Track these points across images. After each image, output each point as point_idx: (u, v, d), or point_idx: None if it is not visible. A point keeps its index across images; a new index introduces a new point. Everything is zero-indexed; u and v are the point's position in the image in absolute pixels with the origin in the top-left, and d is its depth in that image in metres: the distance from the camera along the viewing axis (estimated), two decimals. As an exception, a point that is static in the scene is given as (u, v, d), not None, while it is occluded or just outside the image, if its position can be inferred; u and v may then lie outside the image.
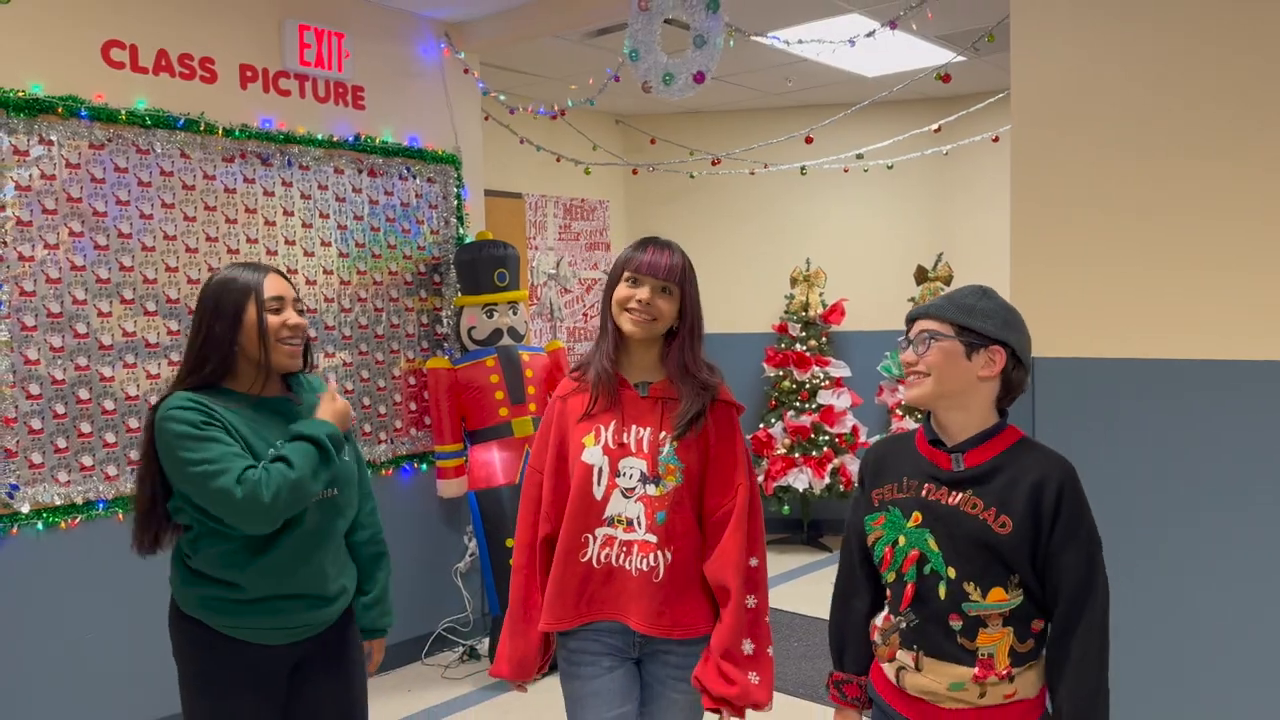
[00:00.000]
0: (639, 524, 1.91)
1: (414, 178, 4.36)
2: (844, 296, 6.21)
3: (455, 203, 4.50)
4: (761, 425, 6.15)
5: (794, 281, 6.28)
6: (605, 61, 4.92)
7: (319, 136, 3.98)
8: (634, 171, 5.89)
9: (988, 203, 6.19)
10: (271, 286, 1.96)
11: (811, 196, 6.46)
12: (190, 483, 1.81)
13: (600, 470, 1.93)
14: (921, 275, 6.08)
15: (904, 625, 1.70)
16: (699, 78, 3.56)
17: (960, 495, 1.66)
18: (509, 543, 4.18)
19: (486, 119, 5.31)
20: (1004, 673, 1.63)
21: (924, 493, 1.70)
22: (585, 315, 6.32)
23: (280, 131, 3.84)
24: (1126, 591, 2.28)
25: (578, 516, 1.94)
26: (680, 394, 1.95)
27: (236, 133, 3.69)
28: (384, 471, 4.22)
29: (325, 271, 4.03)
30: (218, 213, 3.66)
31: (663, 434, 1.92)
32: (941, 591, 1.66)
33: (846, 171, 5.86)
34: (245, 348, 1.93)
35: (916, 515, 1.70)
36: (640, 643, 1.97)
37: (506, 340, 4.30)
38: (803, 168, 5.42)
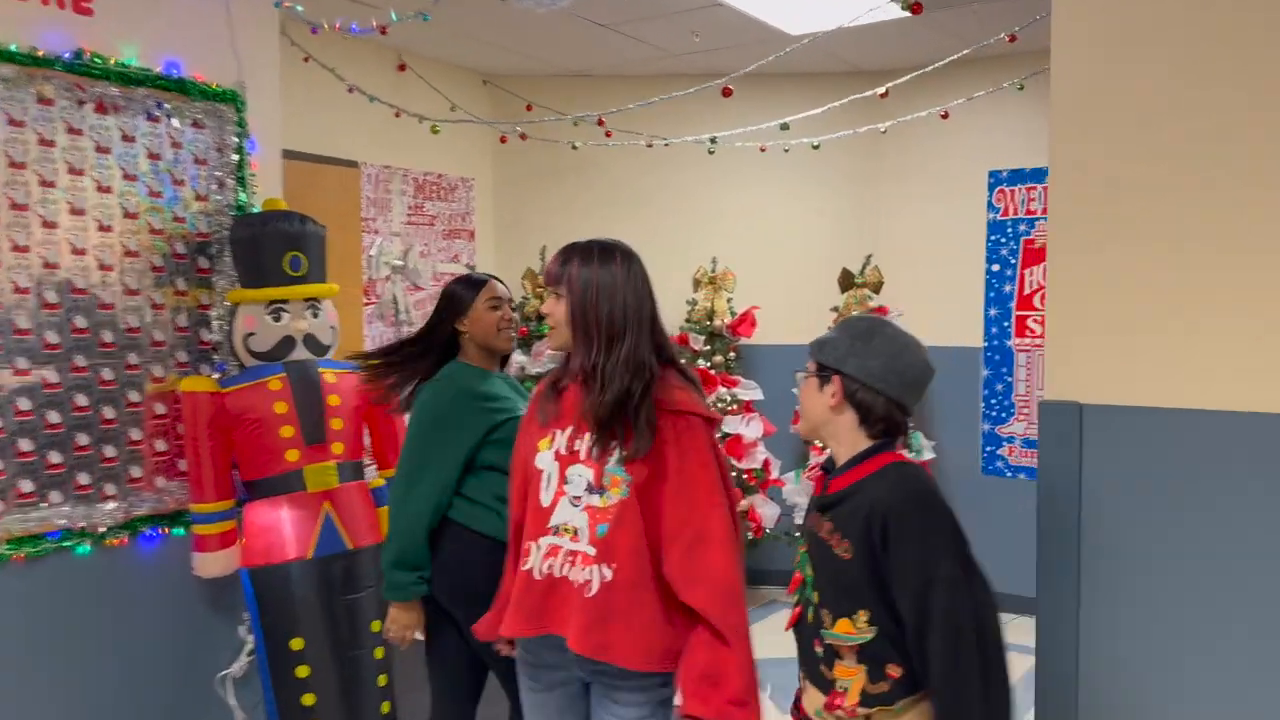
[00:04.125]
0: (582, 534, 1.86)
1: (170, 119, 3.06)
2: (756, 304, 5.14)
3: (235, 159, 3.22)
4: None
5: (697, 284, 5.18)
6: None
7: (12, 48, 2.67)
8: (502, 139, 4.70)
9: (929, 194, 5.22)
10: None
11: (720, 181, 5.37)
12: None
13: (549, 476, 1.91)
14: (847, 281, 5.06)
15: (797, 648, 1.80)
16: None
17: (822, 520, 1.72)
18: (296, 644, 2.93)
19: (307, 60, 4.04)
20: (851, 710, 1.64)
21: (810, 519, 1.79)
22: (440, 319, 5.07)
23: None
24: (1196, 669, 1.93)
25: (527, 525, 1.93)
26: (585, 400, 1.87)
27: None
28: (113, 540, 2.91)
29: (16, 248, 2.71)
30: None
31: (612, 442, 1.85)
32: (809, 615, 1.74)
33: (764, 151, 4.79)
34: None
35: (803, 544, 1.81)
36: (580, 662, 1.89)
37: (301, 353, 3.05)
38: (712, 139, 4.30)
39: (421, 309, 4.96)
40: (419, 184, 4.96)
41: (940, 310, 5.16)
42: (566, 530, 1.87)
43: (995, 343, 5.09)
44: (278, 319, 3.02)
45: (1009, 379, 5.05)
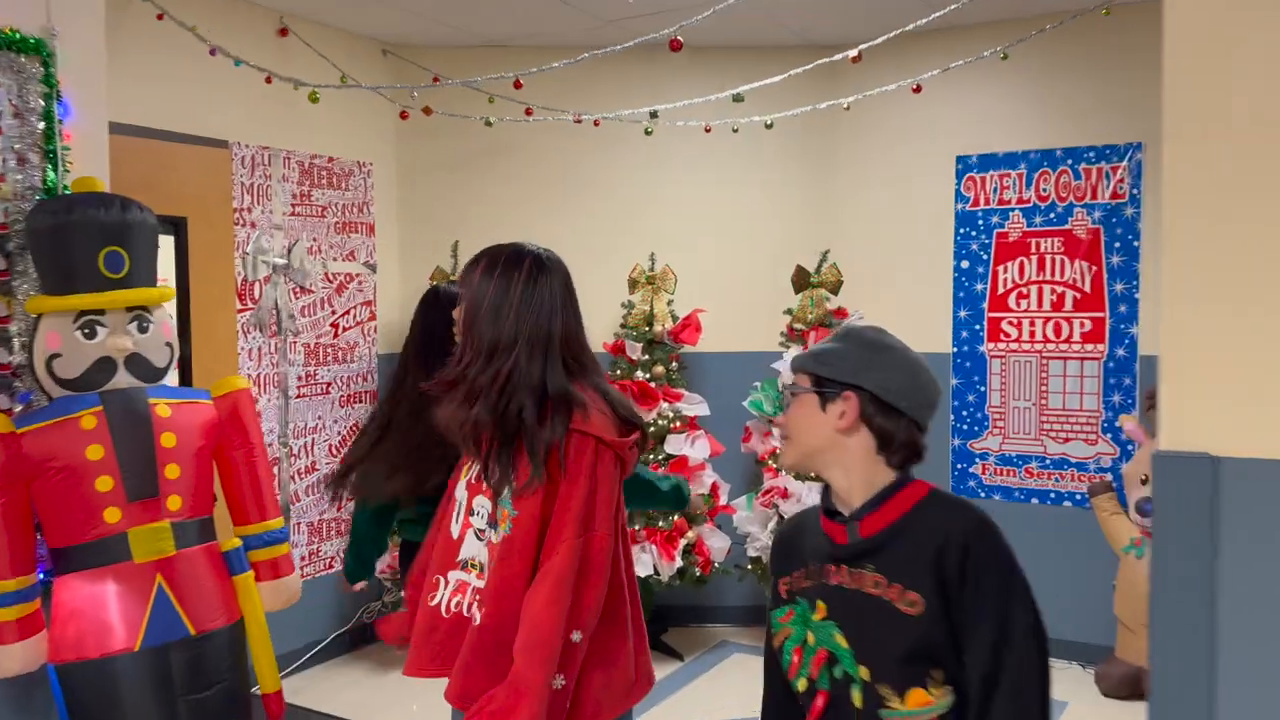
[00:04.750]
0: (484, 571, 1.73)
1: (-58, 71, 2.32)
2: (700, 307, 4.53)
3: (42, 126, 2.48)
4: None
5: (634, 285, 4.54)
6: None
7: None
8: (402, 115, 3.99)
9: (891, 182, 4.67)
10: None
11: (660, 167, 4.75)
12: None
13: (460, 506, 1.80)
14: (802, 279, 4.49)
15: None
16: None
17: (861, 574, 1.44)
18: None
19: (161, 17, 3.31)
20: None
21: (825, 576, 1.49)
22: (335, 329, 4.34)
23: None
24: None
25: (438, 556, 1.82)
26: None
27: None
28: None
29: None
30: None
31: (506, 474, 1.69)
32: (857, 699, 1.42)
33: (709, 131, 4.18)
34: None
35: (821, 606, 1.48)
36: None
37: (124, 380, 2.33)
38: (652, 114, 3.67)
39: (309, 315, 4.23)
40: (305, 168, 4.22)
41: (904, 312, 4.61)
42: (474, 566, 1.75)
43: (965, 348, 4.56)
44: (90, 335, 2.29)
45: (981, 388, 4.53)
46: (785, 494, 4.26)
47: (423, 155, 4.69)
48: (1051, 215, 4.36)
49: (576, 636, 1.63)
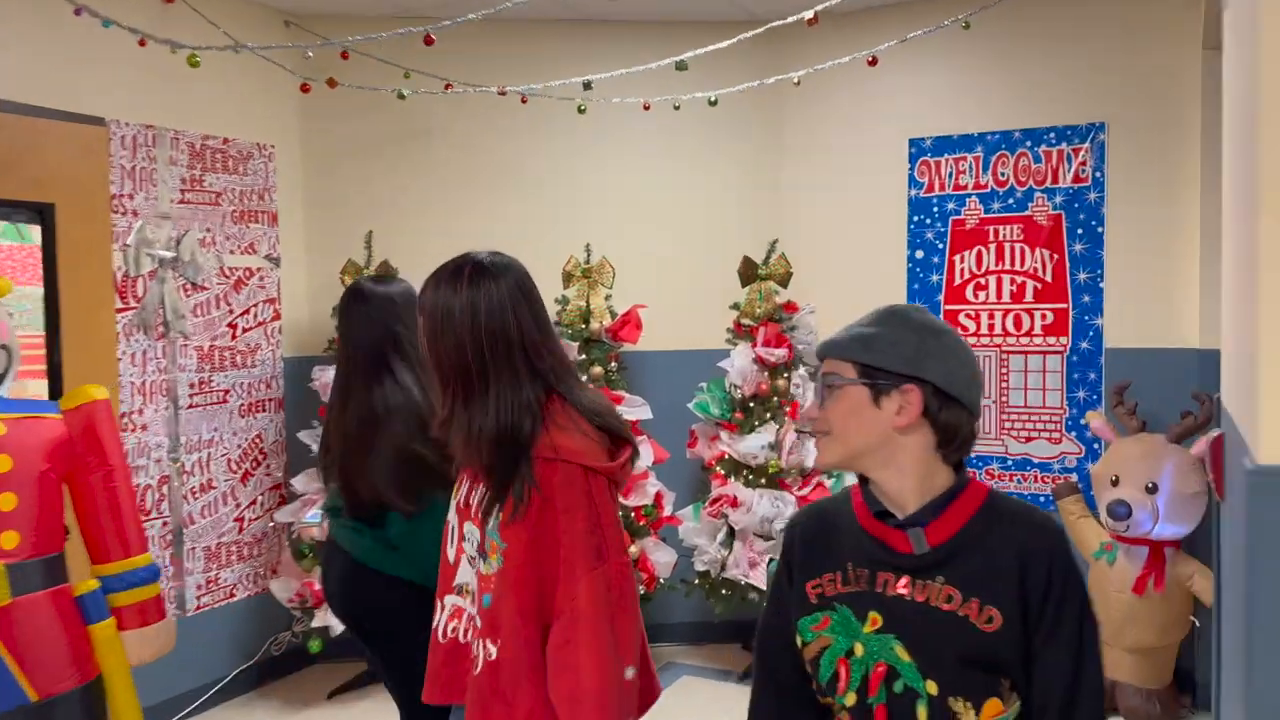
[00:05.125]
0: (475, 600, 1.67)
1: None
2: (640, 302, 4.18)
3: None
4: (519, 498, 4.01)
5: (568, 278, 4.18)
6: None
7: None
8: (304, 88, 3.56)
9: (841, 168, 4.39)
10: None
11: (595, 149, 4.39)
12: None
13: (453, 529, 1.73)
14: (749, 271, 4.17)
15: None
16: None
17: (929, 586, 1.33)
18: None
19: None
20: None
21: (879, 585, 1.36)
22: (233, 330, 3.89)
23: None
24: None
25: (440, 578, 1.76)
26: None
27: None
28: None
29: None
30: None
31: (494, 503, 1.60)
32: (922, 714, 1.33)
33: (649, 109, 3.84)
34: None
35: (875, 617, 1.35)
36: None
37: (-59, 391, 1.89)
38: (586, 84, 3.31)
39: (203, 315, 3.77)
40: (197, 151, 3.76)
41: (856, 306, 4.32)
42: (467, 592, 1.71)
43: (921, 343, 4.29)
44: (-106, 336, 1.85)
45: (938, 385, 4.27)
46: (735, 503, 3.94)
47: (331, 137, 4.26)
48: (1010, 201, 4.11)
49: (630, 673, 1.56)
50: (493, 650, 1.59)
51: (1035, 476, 4.10)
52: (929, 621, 1.32)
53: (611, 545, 1.57)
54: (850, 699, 1.37)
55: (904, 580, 1.34)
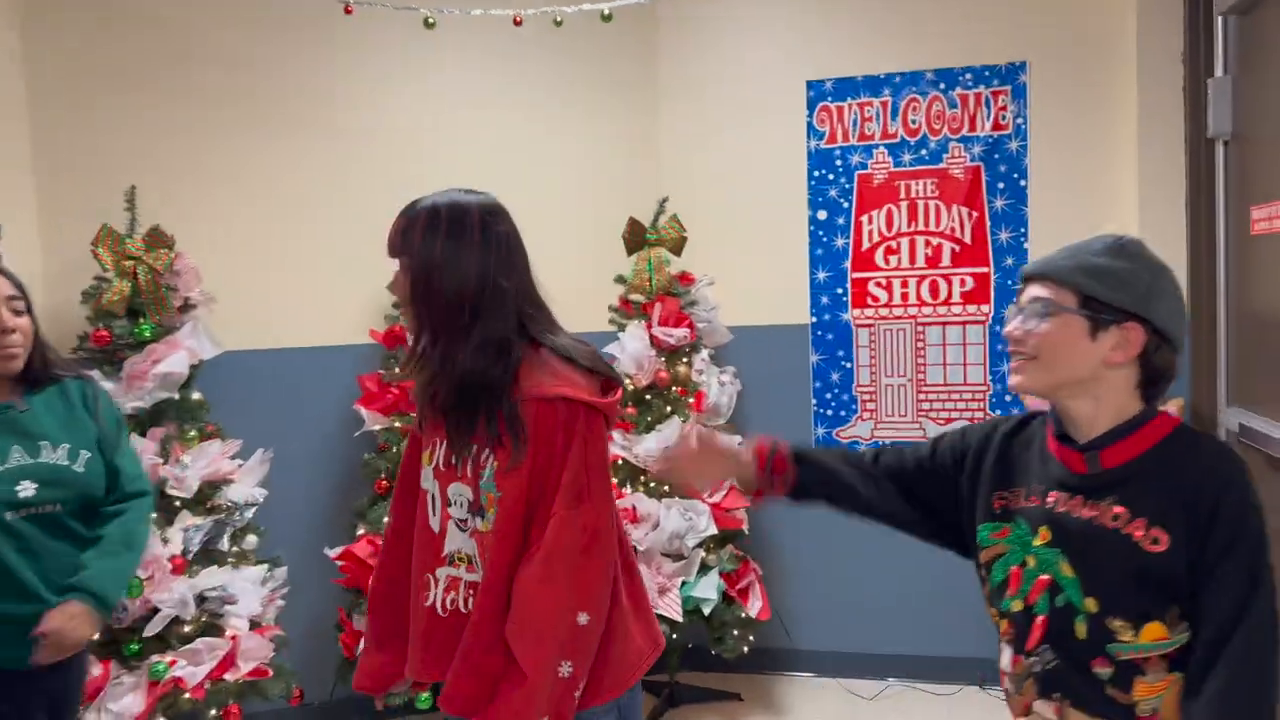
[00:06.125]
0: (477, 564, 1.59)
1: None
2: (501, 275, 3.35)
3: None
4: (363, 533, 3.09)
5: (409, 247, 3.28)
6: None
7: None
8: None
9: (736, 114, 3.75)
10: None
11: (439, 82, 3.51)
12: None
13: (433, 497, 1.65)
14: (636, 236, 3.45)
15: (1039, 668, 1.41)
16: None
17: (1098, 506, 1.38)
18: None
19: None
20: None
21: (1050, 502, 1.43)
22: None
23: None
24: None
25: (420, 552, 1.66)
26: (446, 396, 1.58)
27: None
28: None
29: None
30: None
31: (485, 452, 1.55)
32: (1080, 630, 1.37)
33: (519, 24, 3.01)
34: None
35: (1044, 532, 1.42)
36: None
37: None
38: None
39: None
40: None
41: (755, 278, 3.73)
42: (461, 559, 1.61)
43: (827, 317, 3.74)
44: None
45: (847, 365, 3.73)
46: (635, 517, 3.21)
47: (68, 69, 3.11)
48: (923, 152, 3.61)
49: (584, 619, 1.52)
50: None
51: (958, 462, 3.65)
52: (1095, 539, 1.36)
53: (596, 490, 1.55)
54: (1016, 605, 1.43)
55: (1076, 499, 1.39)
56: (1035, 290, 1.40)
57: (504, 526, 1.53)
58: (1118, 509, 1.35)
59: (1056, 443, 1.42)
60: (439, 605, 1.63)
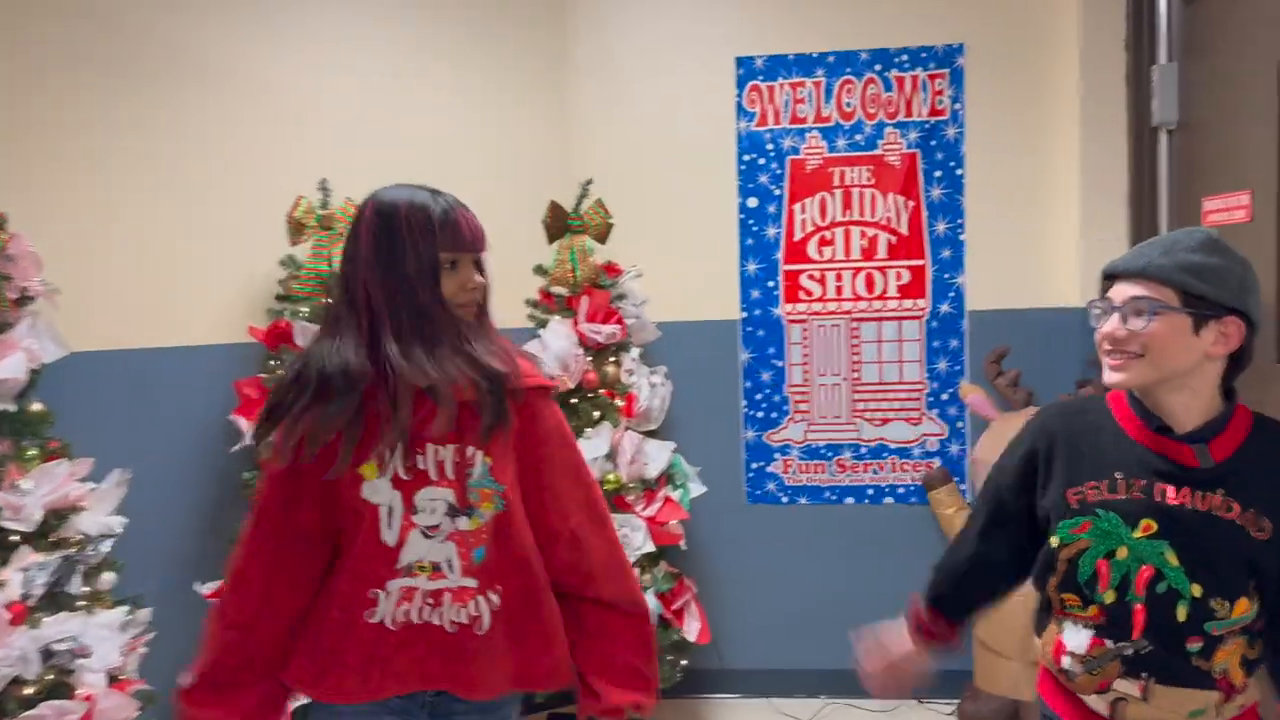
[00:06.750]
0: (451, 567, 1.56)
1: None
2: (404, 264, 2.94)
3: None
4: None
5: (298, 229, 2.84)
6: None
7: None
8: None
9: (655, 96, 3.46)
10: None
11: (334, 47, 3.07)
12: None
13: (390, 509, 1.55)
14: (558, 222, 3.11)
15: (1131, 652, 1.48)
16: None
17: (1210, 497, 1.44)
18: None
19: None
20: (1241, 686, 1.48)
21: (1156, 495, 1.46)
22: None
23: None
24: None
25: (363, 570, 1.56)
26: (478, 394, 1.54)
27: None
28: None
29: None
30: None
31: (470, 450, 1.54)
32: (1181, 612, 1.45)
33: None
34: None
35: (1148, 524, 1.46)
36: (434, 703, 1.61)
37: None
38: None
39: None
40: None
41: (682, 269, 3.45)
42: (422, 568, 1.56)
43: (757, 312, 3.49)
44: None
45: (779, 364, 3.49)
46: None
47: None
48: (858, 137, 3.41)
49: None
50: (495, 600, 1.58)
51: (894, 464, 3.47)
52: (1208, 530, 1.43)
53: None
54: (1110, 597, 1.48)
55: (1185, 491, 1.44)
56: (1131, 289, 1.44)
57: (519, 512, 1.60)
58: (1230, 500, 1.43)
59: (1154, 434, 1.48)
60: (389, 619, 1.56)
